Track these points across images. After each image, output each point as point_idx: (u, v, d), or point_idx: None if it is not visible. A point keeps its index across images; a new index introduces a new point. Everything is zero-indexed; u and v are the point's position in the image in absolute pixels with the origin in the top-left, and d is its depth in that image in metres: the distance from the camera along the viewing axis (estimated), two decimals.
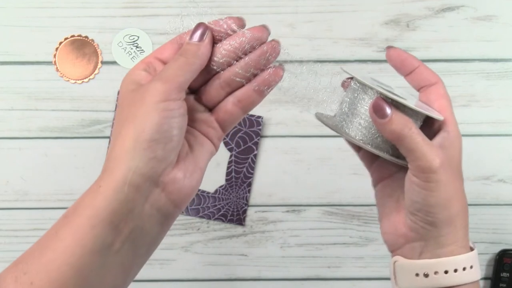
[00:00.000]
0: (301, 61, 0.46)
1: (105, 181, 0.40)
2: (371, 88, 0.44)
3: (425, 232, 0.45)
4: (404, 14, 0.76)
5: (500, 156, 0.76)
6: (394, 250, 0.48)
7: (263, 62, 0.44)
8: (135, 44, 0.76)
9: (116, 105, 0.42)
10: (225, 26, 0.44)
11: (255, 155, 0.75)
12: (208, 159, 0.46)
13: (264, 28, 0.44)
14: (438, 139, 0.45)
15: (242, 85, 0.45)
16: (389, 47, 0.48)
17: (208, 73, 0.45)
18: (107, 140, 0.76)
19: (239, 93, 0.45)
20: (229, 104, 0.45)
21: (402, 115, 0.43)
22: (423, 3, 0.76)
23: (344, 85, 0.48)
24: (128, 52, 0.76)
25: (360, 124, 0.46)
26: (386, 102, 0.43)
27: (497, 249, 0.76)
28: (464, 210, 0.45)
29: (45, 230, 0.46)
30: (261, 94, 0.45)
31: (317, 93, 0.47)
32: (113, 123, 0.42)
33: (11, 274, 0.40)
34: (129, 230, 0.40)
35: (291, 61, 0.45)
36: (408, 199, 0.45)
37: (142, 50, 0.76)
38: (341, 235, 0.76)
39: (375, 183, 0.51)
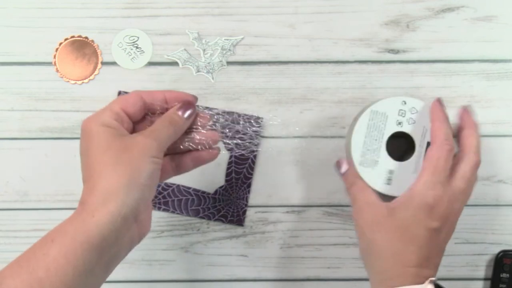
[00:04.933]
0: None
1: (99, 212, 0.46)
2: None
3: None
4: (404, 15, 0.76)
5: (500, 156, 0.76)
6: None
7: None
8: (135, 45, 0.76)
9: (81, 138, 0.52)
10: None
11: (255, 156, 0.75)
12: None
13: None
14: (399, 198, 0.59)
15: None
16: (464, 107, 0.63)
17: None
18: None
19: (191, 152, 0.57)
20: (186, 158, 0.57)
21: (352, 175, 0.62)
22: (423, 3, 0.76)
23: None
24: (128, 53, 0.76)
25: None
26: (343, 162, 0.64)
27: (497, 249, 0.76)
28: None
29: (45, 231, 0.46)
30: (200, 162, 0.58)
31: None
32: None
33: None
34: (109, 257, 0.47)
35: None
36: None
37: (142, 50, 0.76)
38: (341, 236, 0.76)
39: None
